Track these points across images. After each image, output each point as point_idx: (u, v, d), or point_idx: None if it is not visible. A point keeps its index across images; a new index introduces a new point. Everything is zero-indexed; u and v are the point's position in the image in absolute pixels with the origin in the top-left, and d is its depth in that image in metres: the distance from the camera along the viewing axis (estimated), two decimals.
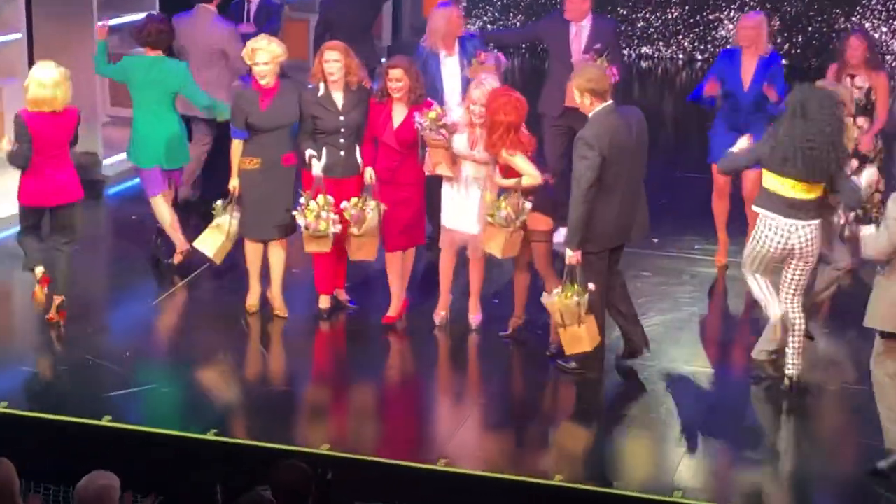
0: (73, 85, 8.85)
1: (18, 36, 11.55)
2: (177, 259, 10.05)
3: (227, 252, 9.34)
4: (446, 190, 8.96)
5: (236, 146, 9.11)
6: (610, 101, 8.26)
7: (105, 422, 7.84)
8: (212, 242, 9.26)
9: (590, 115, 8.24)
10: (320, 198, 8.80)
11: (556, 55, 10.77)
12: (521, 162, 8.55)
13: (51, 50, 11.73)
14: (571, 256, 8.26)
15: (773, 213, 8.16)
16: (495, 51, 10.32)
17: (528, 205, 8.54)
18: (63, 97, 8.76)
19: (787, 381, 8.38)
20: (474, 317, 9.23)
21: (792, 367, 8.38)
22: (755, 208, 8.34)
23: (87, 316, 9.31)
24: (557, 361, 8.67)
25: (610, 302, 8.60)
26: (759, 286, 8.41)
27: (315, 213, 8.76)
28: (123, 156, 12.39)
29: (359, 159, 9.09)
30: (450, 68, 10.18)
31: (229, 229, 9.20)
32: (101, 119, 12.34)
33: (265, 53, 8.92)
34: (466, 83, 9.97)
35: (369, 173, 9.01)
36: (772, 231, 8.18)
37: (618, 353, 8.77)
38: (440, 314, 9.25)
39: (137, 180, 10.50)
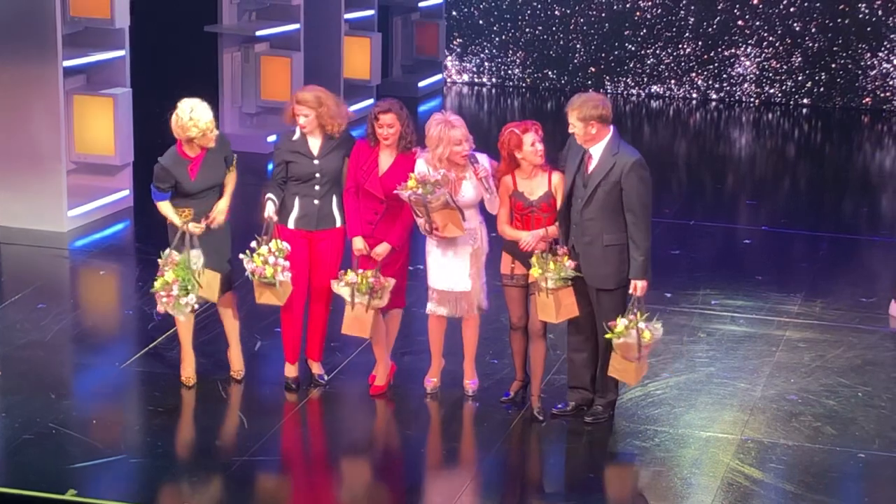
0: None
1: None
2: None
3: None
4: (432, 248, 8.94)
5: (166, 207, 8.99)
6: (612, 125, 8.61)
7: (69, 496, 7.78)
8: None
9: (605, 140, 8.46)
10: (273, 243, 8.81)
11: None
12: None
13: (11, 90, 11.76)
14: (643, 287, 8.52)
15: None
16: None
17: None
18: None
19: None
20: (470, 382, 9.19)
21: None
22: None
23: (51, 380, 9.31)
24: (559, 409, 8.87)
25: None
26: None
27: (263, 259, 8.74)
28: (91, 205, 12.46)
29: (335, 212, 9.06)
30: None
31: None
32: (65, 165, 12.17)
33: (203, 122, 8.86)
34: None
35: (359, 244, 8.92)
36: None
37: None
38: (432, 381, 9.22)
39: (105, 232, 10.49)
